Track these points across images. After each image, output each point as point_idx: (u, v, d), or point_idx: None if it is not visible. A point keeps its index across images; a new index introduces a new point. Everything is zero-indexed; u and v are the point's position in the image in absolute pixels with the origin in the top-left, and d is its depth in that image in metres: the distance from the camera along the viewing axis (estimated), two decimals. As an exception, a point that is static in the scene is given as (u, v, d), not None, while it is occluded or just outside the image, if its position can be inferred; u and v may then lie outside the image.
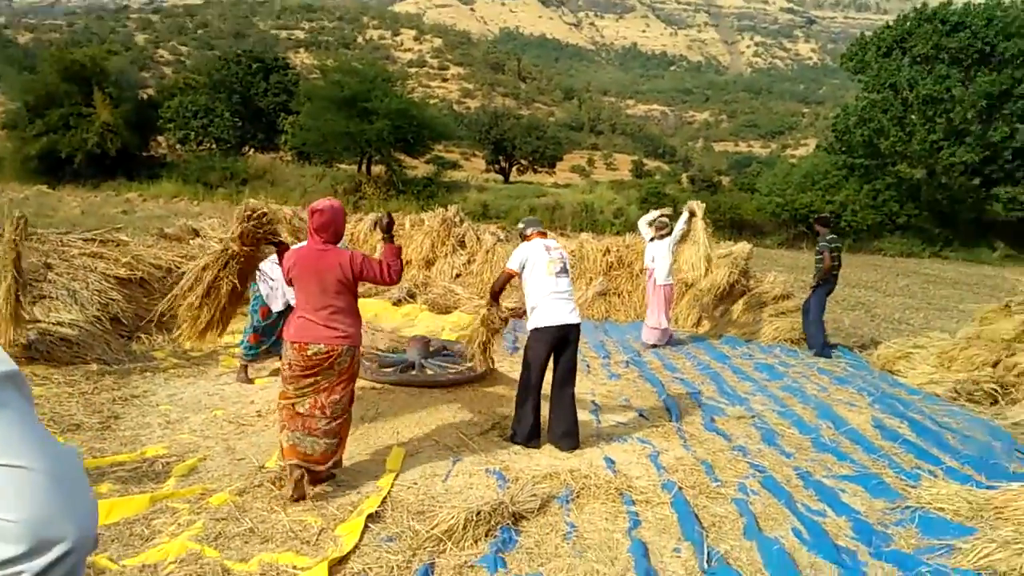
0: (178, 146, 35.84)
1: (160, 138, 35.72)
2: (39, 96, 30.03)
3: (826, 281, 8.76)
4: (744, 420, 5.98)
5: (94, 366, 6.01)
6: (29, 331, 5.79)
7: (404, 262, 11.66)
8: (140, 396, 5.53)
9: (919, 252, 27.32)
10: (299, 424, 3.85)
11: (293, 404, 3.87)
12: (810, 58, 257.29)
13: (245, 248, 4.48)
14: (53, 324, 6.04)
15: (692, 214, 8.63)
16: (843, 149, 29.50)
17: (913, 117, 27.31)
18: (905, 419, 6.20)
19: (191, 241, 9.65)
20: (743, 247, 10.30)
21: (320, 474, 3.98)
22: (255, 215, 4.42)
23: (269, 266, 5.50)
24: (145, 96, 36.21)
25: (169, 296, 4.75)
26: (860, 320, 11.73)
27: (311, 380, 3.86)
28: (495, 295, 5.26)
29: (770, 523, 4.01)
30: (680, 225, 8.63)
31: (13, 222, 5.46)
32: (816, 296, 8.83)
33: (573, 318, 4.88)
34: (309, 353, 3.83)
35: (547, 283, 4.84)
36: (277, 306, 5.89)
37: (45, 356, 5.88)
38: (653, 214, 9.02)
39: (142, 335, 6.97)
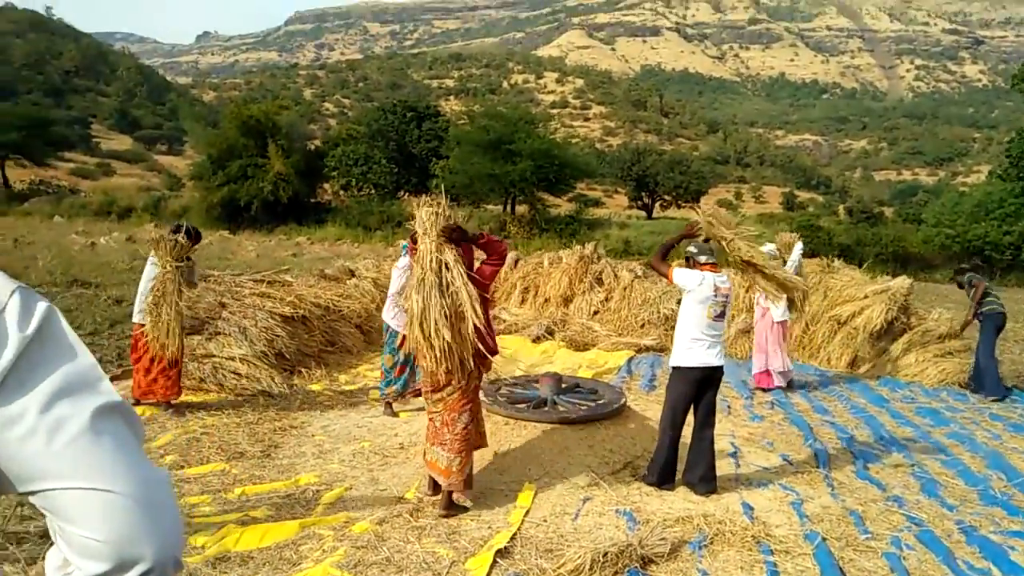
0: (341, 192, 38.53)
1: (326, 185, 38.51)
2: (221, 149, 33.33)
3: (987, 317, 8.25)
4: (902, 468, 5.56)
5: (260, 398, 6.58)
6: (204, 365, 6.43)
7: (544, 299, 11.89)
8: (298, 427, 5.97)
9: (1111, 282, 24.31)
10: (433, 438, 4.32)
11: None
12: (979, 80, 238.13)
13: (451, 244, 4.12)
14: (225, 358, 6.68)
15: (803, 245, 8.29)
16: (1020, 175, 26.92)
17: (1095, 136, 24.55)
18: (1092, 473, 5.53)
19: (348, 281, 10.35)
20: (902, 281, 9.63)
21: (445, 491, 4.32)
22: (440, 208, 4.14)
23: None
24: (312, 147, 39.23)
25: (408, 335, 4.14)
26: (1045, 362, 10.57)
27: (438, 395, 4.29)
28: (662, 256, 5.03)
29: (926, 582, 3.71)
30: (795, 257, 8.04)
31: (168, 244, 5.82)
32: (985, 333, 8.21)
33: (719, 360, 4.77)
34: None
35: (703, 324, 4.71)
36: None
37: (217, 388, 6.49)
38: (767, 247, 8.49)
39: (303, 369, 7.55)
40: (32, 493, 0.87)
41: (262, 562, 3.60)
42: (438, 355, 3.94)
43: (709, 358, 4.72)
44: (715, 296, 4.71)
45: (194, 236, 6.09)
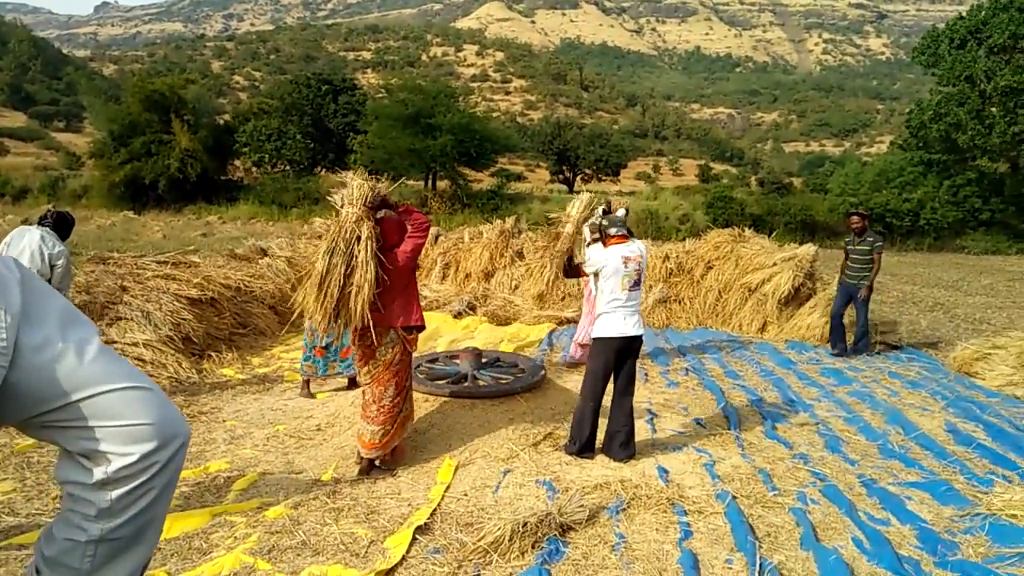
0: (254, 169, 37.23)
1: (237, 162, 37.14)
2: (123, 125, 31.66)
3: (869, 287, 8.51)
4: (808, 427, 5.81)
5: (166, 384, 6.31)
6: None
7: (466, 274, 11.85)
8: (208, 412, 5.77)
9: (1005, 249, 25.93)
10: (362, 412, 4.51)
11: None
12: (882, 53, 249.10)
13: (370, 213, 4.23)
14: (128, 344, 6.37)
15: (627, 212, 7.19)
16: (919, 145, 28.33)
17: (993, 110, 26.00)
18: (981, 423, 5.91)
19: (260, 261, 10.02)
20: (807, 249, 10.01)
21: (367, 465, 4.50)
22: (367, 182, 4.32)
23: None
24: (222, 121, 37.72)
25: (300, 290, 4.25)
26: (938, 321, 11.23)
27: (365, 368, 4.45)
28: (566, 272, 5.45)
29: (829, 533, 3.89)
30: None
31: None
32: (866, 301, 8.55)
33: (638, 330, 4.85)
34: (363, 343, 4.39)
35: (618, 296, 4.80)
36: None
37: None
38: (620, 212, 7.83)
39: (212, 353, 7.28)
40: (64, 407, 1.05)
41: (170, 553, 3.46)
42: (322, 318, 4.11)
43: (627, 328, 4.80)
44: (625, 268, 4.78)
45: (65, 225, 5.52)
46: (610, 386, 4.96)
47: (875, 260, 8.46)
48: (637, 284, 4.86)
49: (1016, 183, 27.08)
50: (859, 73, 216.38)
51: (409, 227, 4.46)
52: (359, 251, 4.10)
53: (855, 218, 8.73)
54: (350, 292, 4.08)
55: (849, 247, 8.70)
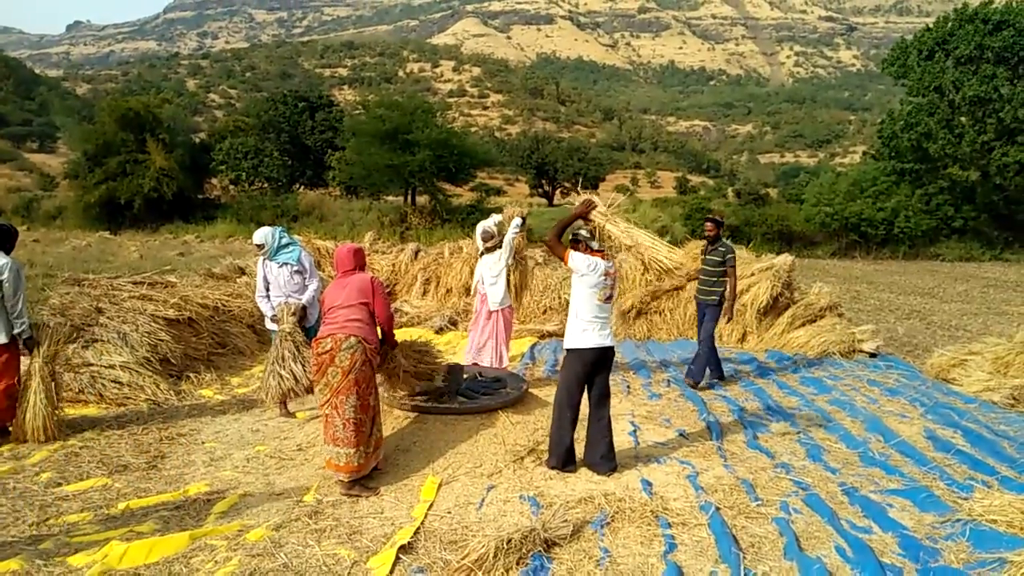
0: (231, 187, 36.99)
1: (214, 180, 36.88)
2: (98, 145, 31.30)
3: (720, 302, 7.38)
4: (789, 436, 5.85)
5: (144, 406, 6.22)
6: (81, 375, 6.02)
7: (447, 289, 11.88)
8: (187, 434, 5.69)
9: (979, 256, 26.38)
10: (328, 436, 4.42)
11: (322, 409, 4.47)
12: (853, 65, 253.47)
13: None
14: (105, 367, 6.28)
15: (524, 220, 7.02)
16: (891, 155, 28.80)
17: (962, 119, 26.54)
18: (959, 429, 5.98)
19: (238, 279, 9.94)
20: (784, 259, 10.11)
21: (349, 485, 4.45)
22: None
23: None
24: (198, 140, 37.49)
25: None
26: (915, 328, 11.38)
27: (323, 380, 4.42)
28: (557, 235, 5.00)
29: (812, 542, 3.91)
30: (511, 234, 6.91)
31: (49, 335, 5.44)
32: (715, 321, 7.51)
33: (610, 341, 4.87)
34: (319, 350, 4.42)
35: (594, 307, 4.82)
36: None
37: (97, 399, 6.10)
38: (485, 221, 7.24)
39: (191, 374, 7.19)
40: None
41: (148, 579, 3.40)
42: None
43: (602, 339, 4.82)
44: (605, 280, 4.82)
45: (6, 237, 5.32)
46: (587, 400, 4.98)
47: (729, 275, 7.32)
48: (610, 298, 4.92)
49: (987, 191, 27.57)
50: (831, 85, 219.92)
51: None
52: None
53: (709, 224, 7.57)
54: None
55: (703, 256, 7.71)
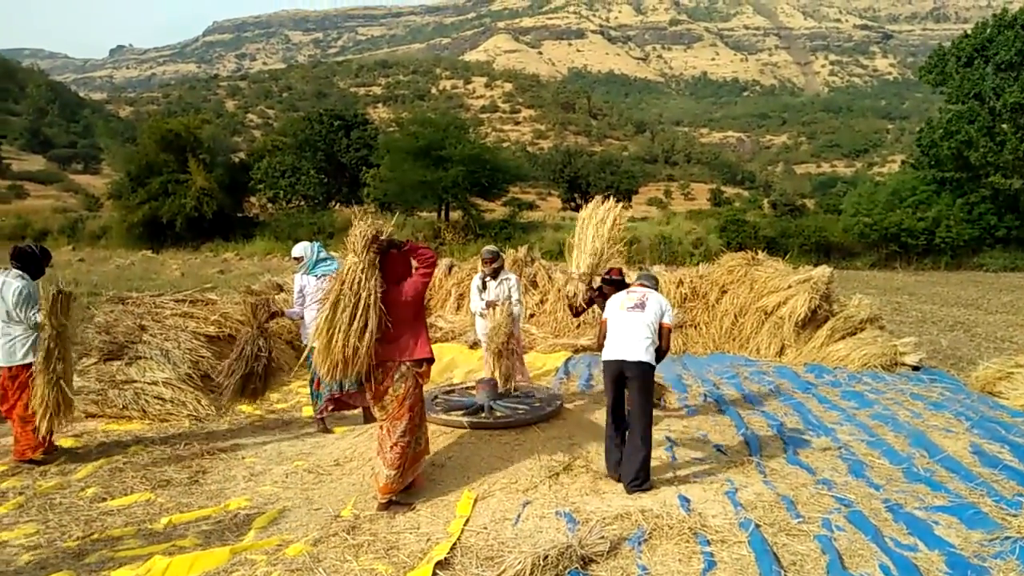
0: (269, 205, 37.71)
1: (252, 199, 37.62)
2: (140, 166, 32.25)
3: None
4: (830, 452, 5.73)
5: (186, 422, 6.35)
6: (125, 392, 6.15)
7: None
8: (227, 450, 5.78)
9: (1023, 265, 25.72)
10: (377, 449, 4.52)
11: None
12: (889, 73, 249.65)
13: (374, 260, 4.32)
14: (148, 383, 6.42)
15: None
16: (931, 164, 28.28)
17: (1004, 126, 25.99)
18: (1006, 443, 5.81)
19: (276, 296, 10.09)
20: (823, 271, 9.95)
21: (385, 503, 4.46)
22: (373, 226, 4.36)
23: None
24: (237, 160, 38.25)
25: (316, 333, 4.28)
26: (959, 340, 11.10)
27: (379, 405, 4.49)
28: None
29: (856, 560, 3.82)
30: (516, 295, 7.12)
31: (50, 298, 5.18)
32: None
33: (629, 355, 4.80)
34: (375, 380, 4.44)
35: (617, 318, 5.02)
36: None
37: (140, 414, 6.23)
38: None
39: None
40: None
41: (191, 594, 3.46)
42: (332, 366, 4.21)
43: (619, 351, 4.88)
44: (627, 294, 5.13)
45: (30, 260, 5.37)
46: None
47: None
48: (638, 306, 4.96)
49: (1031, 199, 26.93)
50: (867, 93, 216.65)
51: (415, 263, 4.54)
52: (364, 302, 4.21)
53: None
54: (354, 343, 4.17)
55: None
